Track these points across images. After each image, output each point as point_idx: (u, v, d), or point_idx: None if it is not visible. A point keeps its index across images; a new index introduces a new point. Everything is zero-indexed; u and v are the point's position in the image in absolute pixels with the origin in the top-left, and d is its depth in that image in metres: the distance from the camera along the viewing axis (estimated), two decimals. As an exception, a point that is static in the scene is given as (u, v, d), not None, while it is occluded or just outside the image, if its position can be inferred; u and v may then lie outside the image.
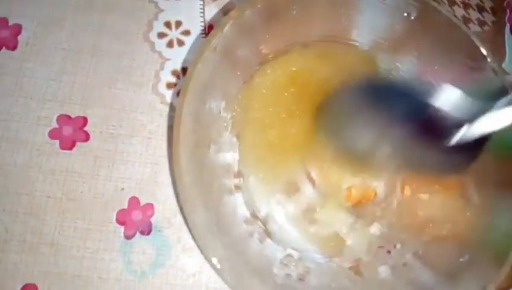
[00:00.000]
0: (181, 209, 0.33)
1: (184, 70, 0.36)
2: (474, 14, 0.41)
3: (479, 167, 0.29)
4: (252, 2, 0.29)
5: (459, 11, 0.41)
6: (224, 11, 0.37)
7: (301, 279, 0.31)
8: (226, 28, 0.29)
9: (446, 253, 0.30)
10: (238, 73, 0.33)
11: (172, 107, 0.35)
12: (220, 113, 0.32)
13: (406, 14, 0.30)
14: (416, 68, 0.33)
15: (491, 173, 0.29)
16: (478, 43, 0.29)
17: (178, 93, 0.35)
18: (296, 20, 0.31)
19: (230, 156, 0.34)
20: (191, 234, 0.27)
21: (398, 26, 0.31)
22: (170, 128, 0.35)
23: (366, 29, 0.32)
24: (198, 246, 0.27)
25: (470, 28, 0.40)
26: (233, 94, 0.33)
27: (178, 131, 0.27)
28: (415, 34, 0.31)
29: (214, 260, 0.27)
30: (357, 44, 0.34)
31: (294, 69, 0.33)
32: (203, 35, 0.37)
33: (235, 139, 0.34)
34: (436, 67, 0.32)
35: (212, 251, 0.27)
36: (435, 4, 0.29)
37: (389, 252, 0.31)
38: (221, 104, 0.32)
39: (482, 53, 0.29)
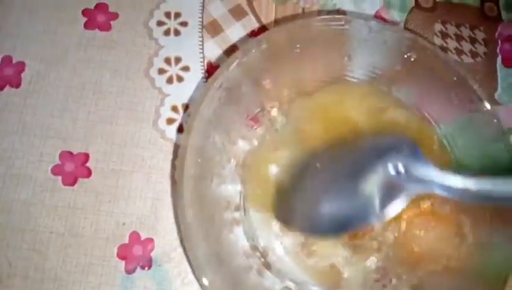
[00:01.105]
0: (181, 241, 0.33)
1: (185, 106, 0.37)
2: (466, 46, 0.42)
3: (475, 208, 0.30)
4: (257, 43, 0.30)
5: (452, 43, 0.42)
6: (224, 49, 0.38)
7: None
8: (232, 67, 0.30)
9: (440, 287, 0.31)
10: (242, 109, 0.33)
11: (172, 143, 0.36)
12: (224, 146, 0.33)
13: (406, 56, 0.31)
14: (413, 99, 0.34)
15: (486, 214, 0.30)
16: (476, 88, 0.30)
17: (179, 129, 0.36)
18: (298, 59, 0.32)
19: (232, 188, 0.34)
20: (191, 267, 0.27)
21: (398, 66, 0.32)
22: (172, 164, 0.35)
23: (365, 66, 0.33)
24: (196, 279, 0.28)
25: (462, 60, 0.41)
26: (237, 128, 0.34)
27: (182, 168, 0.28)
28: (415, 73, 0.32)
29: None
30: (355, 80, 0.34)
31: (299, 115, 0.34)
32: (204, 78, 0.38)
33: (238, 171, 0.34)
34: (432, 106, 0.33)
35: (211, 285, 0.27)
36: (433, 48, 0.30)
37: (384, 286, 0.32)
38: (225, 138, 0.33)
39: (479, 96, 0.30)
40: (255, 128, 0.35)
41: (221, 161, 0.32)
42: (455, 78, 0.31)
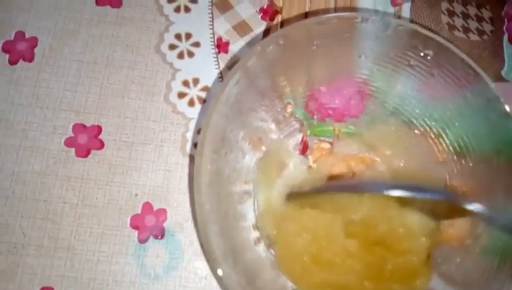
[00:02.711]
0: (195, 219, 0.34)
1: (195, 80, 0.37)
2: (473, 24, 0.42)
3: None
4: (275, 39, 0.30)
5: (459, 21, 0.42)
6: (233, 25, 0.39)
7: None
8: (250, 62, 0.30)
9: (467, 273, 0.31)
10: (260, 103, 0.34)
11: (183, 116, 0.36)
12: (237, 142, 0.33)
13: (422, 55, 0.31)
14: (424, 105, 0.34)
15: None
16: (492, 86, 0.29)
17: (189, 103, 0.37)
18: (314, 57, 0.32)
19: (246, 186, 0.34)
20: (208, 263, 0.27)
21: (413, 62, 0.32)
22: (191, 158, 0.36)
23: (379, 62, 0.33)
24: (213, 275, 0.27)
25: (469, 38, 0.42)
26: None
27: (200, 162, 0.28)
28: (430, 72, 0.32)
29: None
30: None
31: None
32: (214, 54, 0.38)
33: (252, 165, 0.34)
34: (446, 104, 0.32)
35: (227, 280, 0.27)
36: (449, 45, 0.30)
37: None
38: (239, 134, 0.33)
39: (495, 94, 0.29)
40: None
41: (236, 156, 0.32)
42: (472, 77, 0.30)
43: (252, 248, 0.32)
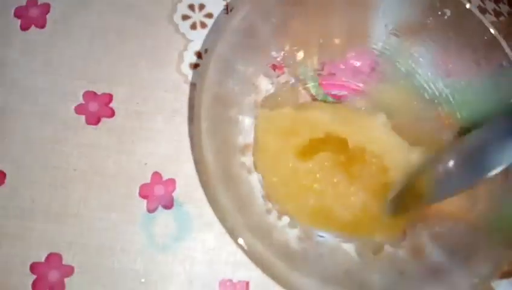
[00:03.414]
0: (205, 188, 0.33)
1: (207, 51, 0.37)
2: (490, 5, 0.42)
3: None
4: None
5: (475, 1, 0.41)
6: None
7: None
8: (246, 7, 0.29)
9: (456, 238, 0.31)
10: (263, 51, 0.33)
11: (194, 86, 0.36)
12: (246, 78, 0.33)
13: (440, 13, 0.31)
14: (437, 68, 0.34)
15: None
16: (507, 50, 0.29)
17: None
18: (326, 6, 0.32)
19: (248, 121, 0.34)
20: (216, 214, 0.27)
21: (429, 21, 0.31)
22: (192, 107, 0.35)
23: (393, 20, 0.33)
24: (224, 227, 0.27)
25: (485, 18, 0.41)
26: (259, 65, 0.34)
27: (202, 84, 0.28)
28: (445, 32, 0.31)
29: (241, 241, 0.27)
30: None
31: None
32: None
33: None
34: (459, 67, 0.32)
35: (237, 231, 0.27)
36: (469, 7, 0.29)
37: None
38: (247, 69, 0.33)
39: (509, 59, 0.29)
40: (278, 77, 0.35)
41: (242, 91, 0.32)
42: (485, 38, 0.30)
43: (246, 179, 0.33)
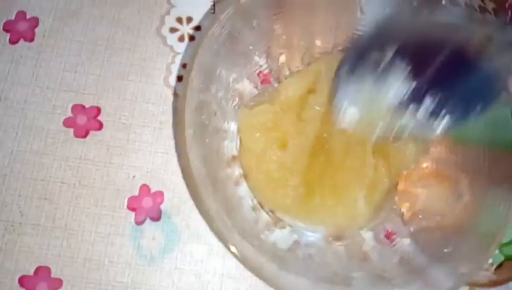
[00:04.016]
0: (193, 195, 0.33)
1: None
2: (475, 1, 0.42)
3: (474, 166, 0.30)
4: None
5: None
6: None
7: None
8: (227, 11, 0.29)
9: (432, 241, 0.31)
10: (246, 53, 0.34)
11: (177, 97, 0.36)
12: (229, 83, 0.33)
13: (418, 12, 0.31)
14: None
15: (484, 171, 0.30)
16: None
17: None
18: (310, 8, 0.33)
19: (233, 127, 0.34)
20: (204, 218, 0.27)
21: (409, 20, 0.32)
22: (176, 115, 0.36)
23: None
24: (212, 231, 0.27)
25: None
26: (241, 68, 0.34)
27: (185, 90, 0.28)
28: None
29: (233, 249, 0.27)
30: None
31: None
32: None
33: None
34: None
35: (226, 235, 0.27)
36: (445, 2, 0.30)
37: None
38: (231, 75, 0.33)
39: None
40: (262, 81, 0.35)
41: (225, 96, 0.33)
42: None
43: (232, 185, 0.33)
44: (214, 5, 0.38)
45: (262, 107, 0.34)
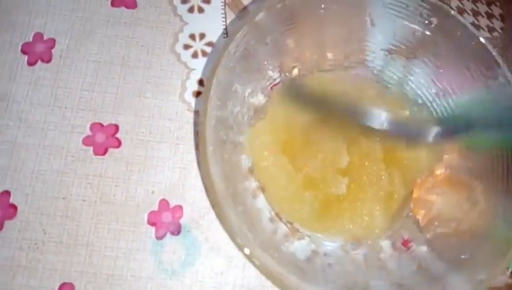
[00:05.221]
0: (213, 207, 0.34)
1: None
2: (483, 21, 0.43)
3: (488, 173, 0.31)
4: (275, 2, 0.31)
5: (469, 19, 0.42)
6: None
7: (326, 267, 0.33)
8: (258, 17, 0.30)
9: (449, 248, 0.32)
10: (261, 68, 0.35)
11: (197, 114, 0.37)
12: (244, 98, 0.34)
13: (427, 22, 0.32)
14: (429, 76, 0.35)
15: (498, 177, 0.30)
16: (493, 52, 0.30)
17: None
18: (321, 20, 0.33)
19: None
20: (226, 231, 0.28)
21: (418, 33, 0.33)
22: (196, 133, 0.36)
23: (387, 34, 0.34)
24: (235, 243, 0.28)
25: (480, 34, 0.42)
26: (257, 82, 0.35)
27: (206, 107, 0.29)
28: (434, 40, 0.33)
29: (252, 256, 0.27)
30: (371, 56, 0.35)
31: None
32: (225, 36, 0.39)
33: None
34: (450, 74, 0.33)
35: (248, 247, 0.28)
36: (454, 13, 0.31)
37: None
38: (246, 90, 0.34)
39: (496, 61, 0.30)
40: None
41: (242, 112, 0.33)
42: (473, 43, 0.31)
43: (250, 198, 0.34)
44: (226, 29, 0.38)
45: (260, 124, 0.34)
